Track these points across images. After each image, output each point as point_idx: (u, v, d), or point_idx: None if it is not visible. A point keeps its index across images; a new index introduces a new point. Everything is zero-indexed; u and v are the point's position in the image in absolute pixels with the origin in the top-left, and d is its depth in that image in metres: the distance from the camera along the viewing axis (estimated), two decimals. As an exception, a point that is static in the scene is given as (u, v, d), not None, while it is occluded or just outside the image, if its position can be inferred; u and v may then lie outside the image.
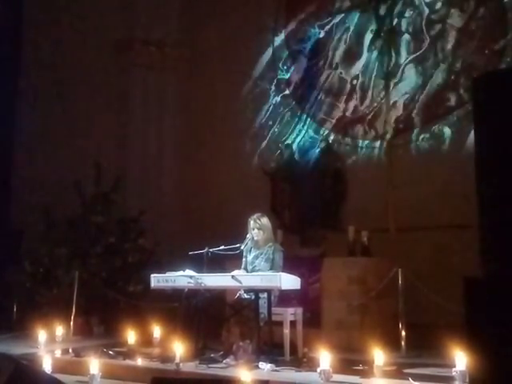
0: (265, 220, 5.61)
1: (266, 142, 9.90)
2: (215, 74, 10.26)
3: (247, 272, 5.53)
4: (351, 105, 9.29)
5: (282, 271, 5.31)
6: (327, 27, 9.60)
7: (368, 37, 9.16)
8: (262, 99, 10.09)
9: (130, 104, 10.53)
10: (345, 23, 9.46)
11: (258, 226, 5.53)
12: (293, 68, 9.93)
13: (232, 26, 10.10)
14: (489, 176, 3.08)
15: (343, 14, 9.48)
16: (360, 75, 9.24)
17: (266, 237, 5.56)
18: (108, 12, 10.51)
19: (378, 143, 8.92)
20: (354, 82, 9.29)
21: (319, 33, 9.64)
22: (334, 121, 9.42)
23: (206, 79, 10.35)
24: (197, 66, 10.52)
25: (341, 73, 9.41)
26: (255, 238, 5.55)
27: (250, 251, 5.62)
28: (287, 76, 9.97)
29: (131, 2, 10.60)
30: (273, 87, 10.04)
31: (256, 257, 5.56)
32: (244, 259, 5.66)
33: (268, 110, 10.01)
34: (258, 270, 5.44)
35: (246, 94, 10.22)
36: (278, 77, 10.02)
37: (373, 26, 9.10)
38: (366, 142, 9.06)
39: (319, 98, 9.58)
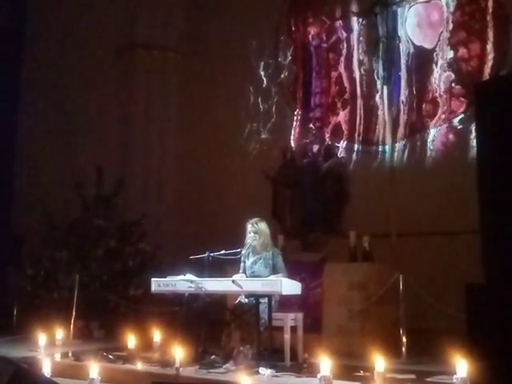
0: (262, 225, 5.59)
1: (267, 146, 9.89)
2: (217, 78, 10.26)
3: (246, 277, 5.52)
4: (352, 109, 9.30)
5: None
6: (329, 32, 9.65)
7: (369, 43, 9.19)
8: (263, 102, 10.09)
9: (132, 108, 10.54)
10: (346, 29, 9.49)
11: (255, 230, 5.53)
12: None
13: (234, 30, 10.12)
14: (491, 182, 3.08)
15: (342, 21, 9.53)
16: (360, 80, 9.25)
17: (263, 242, 5.54)
18: (110, 16, 10.55)
19: (379, 148, 8.92)
20: (355, 86, 9.31)
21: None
22: (333, 125, 9.43)
23: (207, 84, 10.36)
24: (199, 70, 10.53)
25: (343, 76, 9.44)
26: (251, 243, 5.54)
27: (249, 256, 5.61)
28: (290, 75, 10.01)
29: (134, 6, 10.63)
30: (274, 89, 10.05)
31: (255, 262, 5.55)
32: (242, 264, 5.65)
33: (269, 113, 10.02)
34: (257, 276, 5.43)
35: (245, 99, 10.22)
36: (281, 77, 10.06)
37: (373, 33, 9.13)
38: (368, 146, 9.05)
39: (319, 101, 9.61)
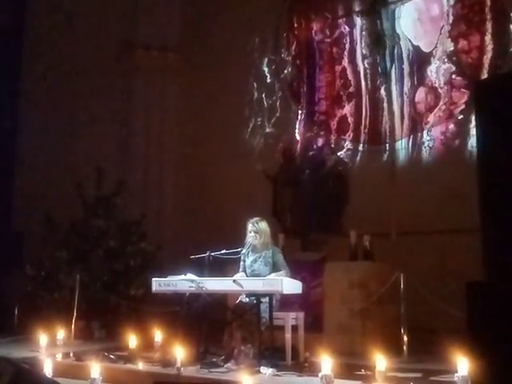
0: (263, 225, 5.60)
1: (268, 145, 9.89)
2: (218, 77, 10.25)
3: (246, 275, 5.53)
4: (352, 108, 9.29)
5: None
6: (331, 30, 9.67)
7: (372, 39, 9.18)
8: (267, 98, 10.08)
9: (132, 108, 10.54)
10: (348, 24, 9.50)
11: (255, 230, 5.55)
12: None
13: (233, 30, 10.11)
14: (491, 181, 3.08)
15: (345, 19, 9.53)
16: (365, 73, 9.25)
17: (263, 241, 5.56)
18: (110, 17, 10.55)
19: (379, 147, 8.91)
20: (357, 84, 9.31)
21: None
22: (335, 124, 9.43)
23: (208, 83, 10.35)
24: (198, 70, 10.53)
25: (345, 73, 9.44)
26: (251, 242, 5.55)
27: (249, 255, 5.62)
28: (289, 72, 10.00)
29: (133, 6, 10.63)
30: (277, 84, 10.04)
31: (255, 260, 5.56)
32: (242, 263, 5.66)
33: (273, 108, 10.00)
34: (257, 274, 5.44)
35: (247, 97, 10.21)
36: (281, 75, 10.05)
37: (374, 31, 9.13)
38: (371, 143, 9.04)
39: (320, 99, 9.61)
